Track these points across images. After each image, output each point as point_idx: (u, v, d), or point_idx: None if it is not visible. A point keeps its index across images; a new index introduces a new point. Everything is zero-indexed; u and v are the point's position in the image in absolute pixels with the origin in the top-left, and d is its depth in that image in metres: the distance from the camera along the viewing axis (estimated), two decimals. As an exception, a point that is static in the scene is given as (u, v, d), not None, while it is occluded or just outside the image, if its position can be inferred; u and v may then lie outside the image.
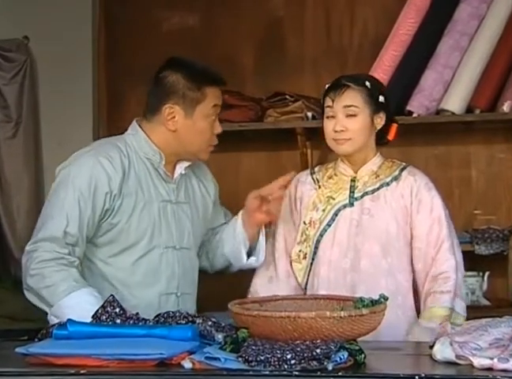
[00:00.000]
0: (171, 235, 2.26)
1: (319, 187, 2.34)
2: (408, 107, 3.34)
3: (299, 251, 2.33)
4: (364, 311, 1.75)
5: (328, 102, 2.27)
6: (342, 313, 1.71)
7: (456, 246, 2.31)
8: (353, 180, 2.31)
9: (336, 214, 2.29)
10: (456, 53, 3.33)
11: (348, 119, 2.24)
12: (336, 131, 2.25)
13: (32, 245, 2.16)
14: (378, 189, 2.29)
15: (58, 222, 2.14)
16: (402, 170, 2.32)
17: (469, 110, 3.33)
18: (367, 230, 2.25)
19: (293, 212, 2.38)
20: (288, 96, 3.50)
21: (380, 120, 2.30)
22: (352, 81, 2.26)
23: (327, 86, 2.31)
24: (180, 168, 2.30)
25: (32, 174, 3.93)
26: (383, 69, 3.38)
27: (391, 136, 2.34)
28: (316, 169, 2.41)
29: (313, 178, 2.37)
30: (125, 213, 2.19)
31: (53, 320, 2.08)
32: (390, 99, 3.32)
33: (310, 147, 3.53)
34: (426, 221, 2.27)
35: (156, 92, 2.27)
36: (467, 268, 3.39)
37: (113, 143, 2.26)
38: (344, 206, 2.28)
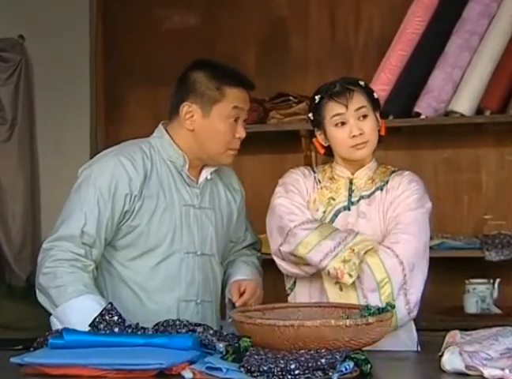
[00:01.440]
0: (193, 240, 2.27)
1: (321, 188, 2.34)
2: (416, 109, 3.34)
3: None
4: (371, 319, 1.75)
5: (337, 109, 2.24)
6: (348, 322, 1.71)
7: (423, 248, 2.20)
8: (351, 182, 2.31)
9: (336, 215, 2.29)
10: (465, 52, 3.33)
11: (361, 122, 2.24)
12: (354, 136, 2.22)
13: (49, 244, 2.17)
14: (373, 193, 2.29)
15: (77, 221, 2.16)
16: (393, 172, 2.32)
17: (479, 111, 3.33)
18: (362, 233, 2.25)
19: (304, 196, 2.32)
20: (291, 97, 3.51)
21: (379, 118, 2.31)
22: (350, 84, 2.26)
23: (318, 98, 2.26)
24: (206, 173, 2.31)
25: (28, 179, 3.94)
26: (390, 70, 3.38)
27: (383, 131, 2.32)
28: (316, 169, 2.41)
29: (315, 178, 2.37)
30: (145, 216, 2.21)
31: (54, 322, 2.10)
32: (397, 101, 3.37)
33: (314, 149, 3.50)
34: (396, 206, 2.24)
35: (177, 92, 2.29)
36: (477, 275, 3.42)
37: (137, 144, 2.28)
38: (344, 208, 2.29)
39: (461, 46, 3.33)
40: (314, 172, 2.37)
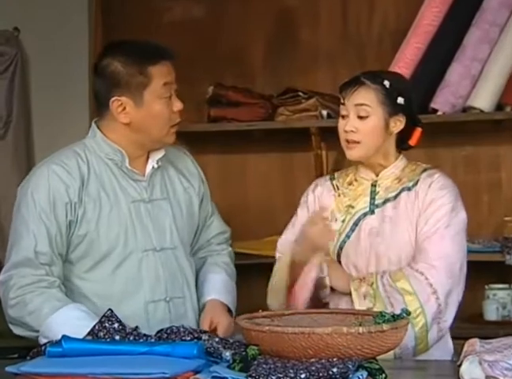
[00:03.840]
0: (149, 237, 2.25)
1: (338, 195, 2.33)
2: (433, 105, 3.34)
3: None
4: (385, 327, 1.75)
5: (341, 99, 2.28)
6: (361, 329, 1.71)
7: (459, 271, 2.20)
8: (374, 185, 2.31)
9: (356, 224, 2.28)
10: (485, 45, 3.33)
11: (360, 120, 2.24)
12: (346, 131, 2.25)
13: (5, 274, 2.18)
14: (399, 194, 2.28)
15: (27, 242, 2.17)
16: (423, 172, 2.31)
17: (499, 107, 3.33)
18: (388, 240, 2.25)
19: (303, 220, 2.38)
20: (300, 93, 3.51)
21: (398, 123, 2.27)
22: (369, 78, 2.26)
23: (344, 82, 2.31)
24: (152, 162, 2.29)
25: (23, 178, 3.93)
26: (405, 63, 3.38)
27: (413, 141, 2.31)
28: (336, 174, 2.41)
29: (332, 184, 2.37)
30: (91, 222, 2.20)
31: (43, 341, 2.08)
32: (412, 96, 3.36)
33: (325, 148, 3.52)
34: (427, 218, 2.22)
35: (99, 85, 2.26)
36: (497, 281, 3.42)
37: (72, 149, 2.28)
38: (365, 214, 2.28)
39: (481, 38, 3.33)
40: (332, 178, 2.38)
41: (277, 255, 2.39)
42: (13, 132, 3.92)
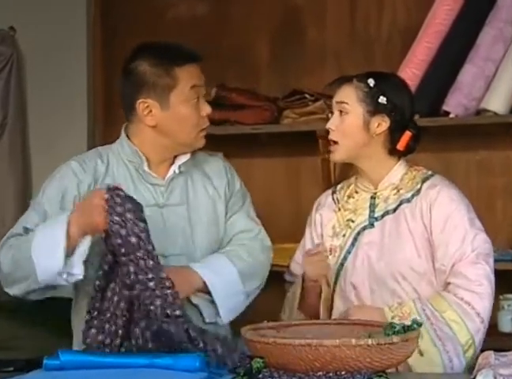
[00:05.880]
0: (158, 242, 2.23)
1: (339, 209, 2.33)
2: (445, 107, 3.34)
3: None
4: (395, 339, 1.75)
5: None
6: (370, 341, 1.72)
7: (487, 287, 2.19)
8: (373, 197, 2.29)
9: (355, 238, 2.27)
10: (499, 44, 3.32)
11: (338, 117, 2.25)
12: (328, 128, 2.28)
13: None
14: (399, 206, 2.25)
15: (23, 219, 2.29)
16: (424, 181, 2.26)
17: (514, 109, 3.33)
18: (388, 255, 2.22)
19: (314, 239, 2.39)
20: (307, 95, 3.51)
21: (382, 124, 2.24)
22: (357, 76, 2.27)
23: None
24: (174, 166, 2.33)
25: (19, 182, 3.96)
26: (416, 64, 3.38)
27: (401, 145, 2.25)
28: (339, 186, 2.41)
29: (333, 199, 2.37)
30: None
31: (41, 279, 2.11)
32: (424, 98, 3.36)
33: (332, 152, 3.52)
34: (447, 238, 2.19)
35: (126, 88, 2.32)
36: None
37: (97, 150, 2.40)
38: (364, 228, 2.27)
39: (495, 38, 3.32)
40: (334, 192, 2.39)
41: (287, 277, 2.43)
42: (9, 134, 3.94)
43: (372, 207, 2.27)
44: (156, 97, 2.26)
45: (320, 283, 2.26)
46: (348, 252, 2.27)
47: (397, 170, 2.28)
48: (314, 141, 3.50)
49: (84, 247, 2.08)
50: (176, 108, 2.27)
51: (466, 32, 3.38)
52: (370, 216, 2.26)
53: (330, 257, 2.30)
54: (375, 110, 2.23)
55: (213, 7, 3.88)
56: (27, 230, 2.24)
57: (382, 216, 2.25)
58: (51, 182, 2.31)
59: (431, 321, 2.11)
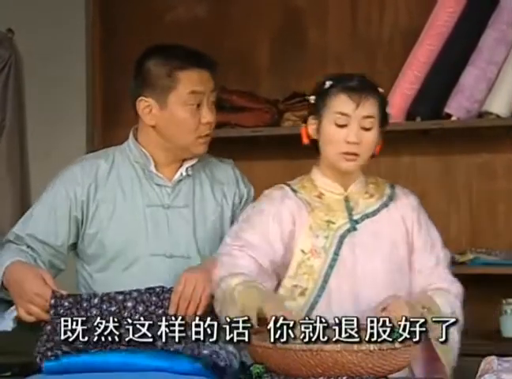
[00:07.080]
0: (161, 242, 2.31)
1: (312, 210, 2.28)
2: (446, 109, 3.34)
3: (294, 286, 2.24)
4: (397, 344, 1.75)
5: (345, 108, 2.18)
6: (372, 347, 1.72)
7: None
8: (346, 200, 2.29)
9: (341, 241, 2.26)
10: (501, 47, 3.33)
11: (364, 132, 2.20)
12: (349, 142, 2.18)
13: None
14: (379, 210, 2.27)
15: (23, 221, 2.35)
16: (392, 188, 2.32)
17: (517, 112, 3.33)
18: (374, 256, 2.23)
19: (284, 237, 2.26)
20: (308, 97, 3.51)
21: (381, 135, 2.25)
22: (371, 87, 2.20)
23: (329, 84, 2.23)
24: (182, 169, 2.36)
25: (17, 184, 3.95)
26: (417, 66, 3.38)
27: (377, 151, 2.26)
28: (294, 187, 2.34)
29: (300, 198, 2.30)
30: (103, 221, 2.31)
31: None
32: (425, 100, 3.36)
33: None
34: (425, 248, 2.29)
35: (132, 85, 2.37)
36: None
37: (106, 150, 2.44)
38: (349, 230, 2.26)
39: (497, 40, 3.33)
40: (294, 190, 2.31)
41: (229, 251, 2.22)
42: (7, 137, 3.93)
43: (349, 210, 2.27)
44: (156, 96, 2.29)
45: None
46: (336, 254, 2.25)
47: (361, 178, 2.29)
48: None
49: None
50: (173, 110, 2.29)
51: (468, 34, 3.38)
52: (350, 219, 2.26)
53: (312, 258, 2.27)
54: (383, 122, 2.23)
55: (213, 9, 3.89)
56: (18, 237, 2.29)
57: (362, 219, 2.26)
58: (54, 183, 2.36)
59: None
